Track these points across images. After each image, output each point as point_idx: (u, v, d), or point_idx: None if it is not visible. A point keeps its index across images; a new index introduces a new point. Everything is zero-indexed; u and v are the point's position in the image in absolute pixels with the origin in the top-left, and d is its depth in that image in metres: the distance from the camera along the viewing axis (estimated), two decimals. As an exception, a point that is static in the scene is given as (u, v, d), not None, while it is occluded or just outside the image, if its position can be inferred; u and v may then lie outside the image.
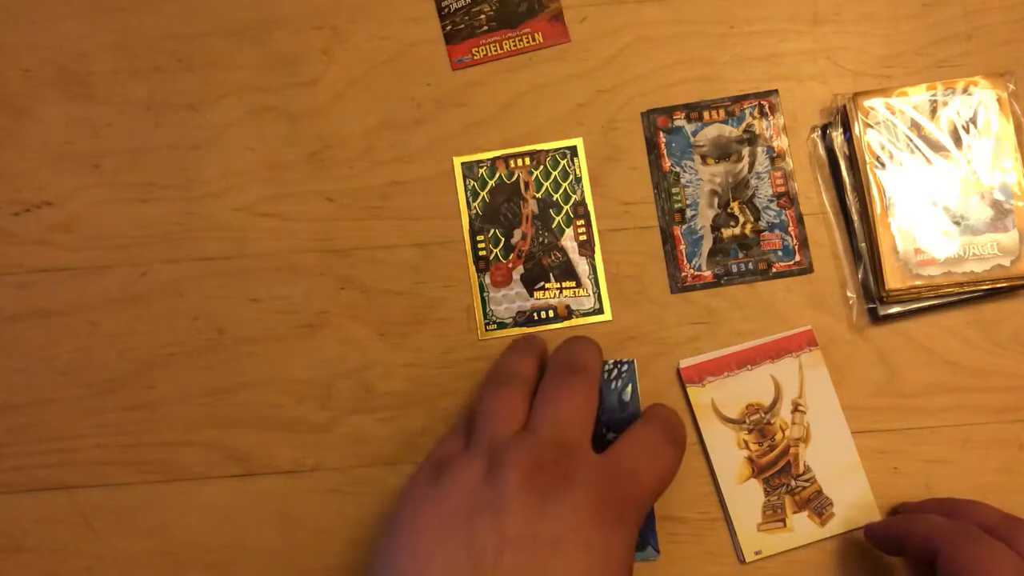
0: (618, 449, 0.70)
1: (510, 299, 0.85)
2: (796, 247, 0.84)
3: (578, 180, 0.86)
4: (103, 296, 0.85)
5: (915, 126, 0.82)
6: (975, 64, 0.85)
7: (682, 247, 0.85)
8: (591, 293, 0.85)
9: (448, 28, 0.88)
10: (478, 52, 0.87)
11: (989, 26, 0.86)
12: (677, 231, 0.85)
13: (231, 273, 0.85)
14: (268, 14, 0.88)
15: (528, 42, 0.87)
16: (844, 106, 0.83)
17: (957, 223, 0.81)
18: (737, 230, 0.85)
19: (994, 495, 0.81)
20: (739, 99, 0.86)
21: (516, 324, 0.84)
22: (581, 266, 0.85)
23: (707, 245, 0.85)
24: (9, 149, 0.87)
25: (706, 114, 0.86)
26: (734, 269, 0.84)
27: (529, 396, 0.72)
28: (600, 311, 0.84)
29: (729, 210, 0.85)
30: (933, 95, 0.82)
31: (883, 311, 0.82)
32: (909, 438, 0.82)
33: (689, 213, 0.85)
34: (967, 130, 0.82)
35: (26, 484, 0.84)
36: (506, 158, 0.86)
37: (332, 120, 0.87)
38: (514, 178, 0.86)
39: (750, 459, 0.82)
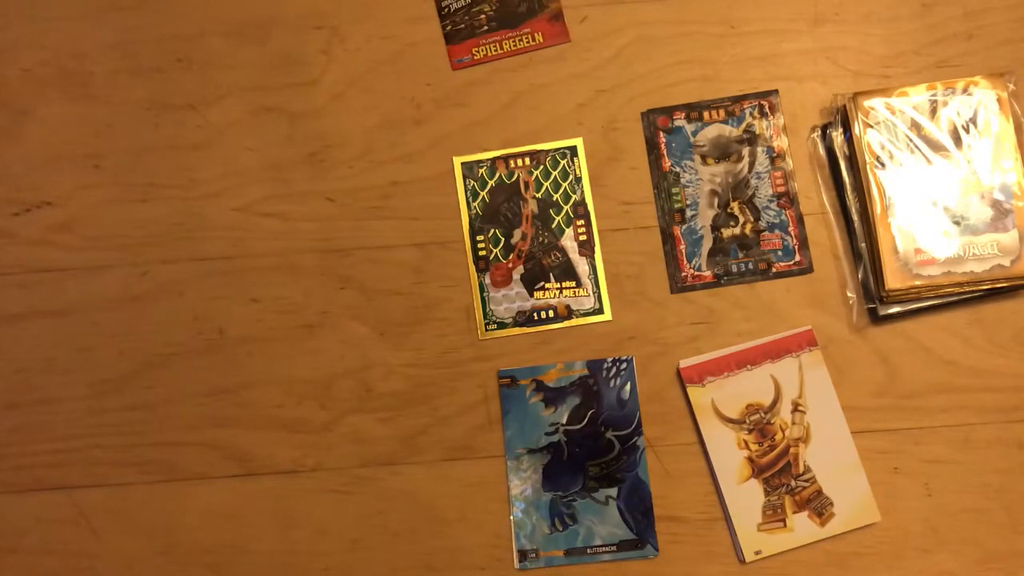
0: None
1: (510, 299, 0.85)
2: (796, 247, 0.84)
3: (578, 180, 0.86)
4: (103, 296, 0.85)
5: (915, 126, 0.82)
6: (975, 64, 0.85)
7: (682, 247, 0.85)
8: (591, 293, 0.85)
9: (448, 28, 0.88)
10: (478, 52, 0.87)
11: (989, 26, 0.86)
12: (677, 231, 0.85)
13: (231, 273, 0.85)
14: (268, 14, 0.88)
15: (528, 42, 0.87)
16: (844, 106, 0.83)
17: (957, 223, 0.81)
18: (737, 230, 0.85)
19: (994, 495, 0.81)
20: (739, 99, 0.86)
21: (516, 324, 0.84)
22: (581, 266, 0.85)
23: (707, 245, 0.85)
24: (9, 149, 0.87)
25: (706, 114, 0.86)
26: (734, 269, 0.84)
27: None
28: (600, 311, 0.84)
29: (729, 210, 0.85)
30: (933, 95, 0.82)
31: (883, 311, 0.82)
32: (909, 438, 0.82)
33: (689, 213, 0.85)
34: (967, 130, 0.82)
35: (26, 484, 0.84)
36: (506, 158, 0.86)
37: (332, 120, 0.87)
38: (514, 178, 0.86)
39: (750, 459, 0.82)
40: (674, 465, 0.82)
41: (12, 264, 0.86)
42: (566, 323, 0.84)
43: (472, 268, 0.85)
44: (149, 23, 0.88)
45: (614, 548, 0.82)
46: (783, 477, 0.81)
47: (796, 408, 0.82)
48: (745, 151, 0.85)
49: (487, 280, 0.85)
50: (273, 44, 0.87)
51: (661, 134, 0.86)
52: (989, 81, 0.82)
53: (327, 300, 0.85)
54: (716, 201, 0.85)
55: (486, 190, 0.86)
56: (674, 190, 0.85)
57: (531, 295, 0.85)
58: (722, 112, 0.86)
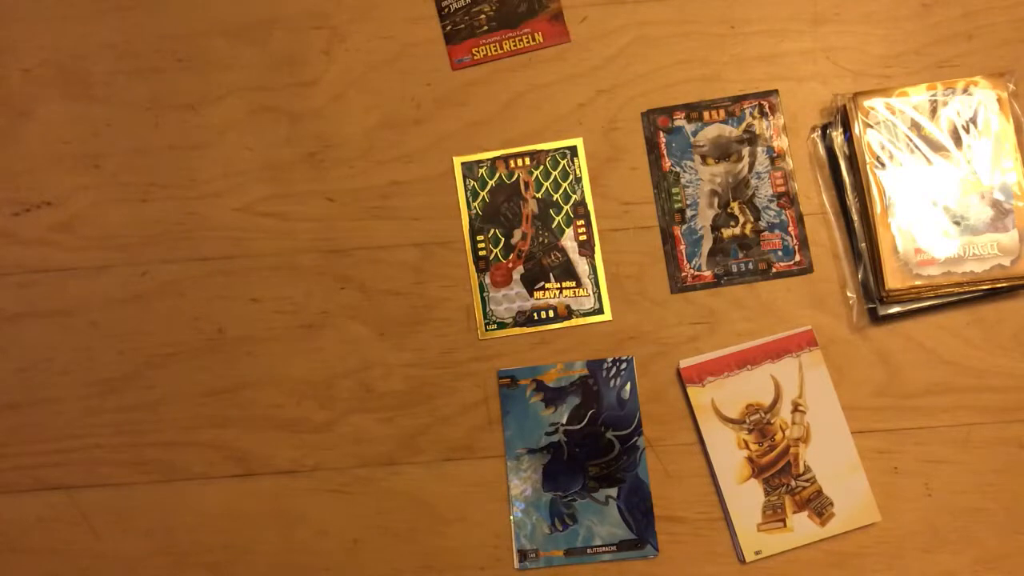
0: None
1: (510, 299, 0.85)
2: (796, 247, 0.84)
3: (578, 180, 0.86)
4: (103, 296, 0.85)
5: (915, 126, 0.82)
6: (975, 64, 0.85)
7: (682, 247, 0.85)
8: (591, 293, 0.85)
9: (448, 28, 0.88)
10: (478, 52, 0.87)
11: (989, 26, 0.86)
12: (677, 231, 0.85)
13: (231, 273, 0.85)
14: (268, 14, 0.88)
15: (528, 42, 0.87)
16: (844, 106, 0.83)
17: (957, 223, 0.81)
18: (737, 230, 0.85)
19: (994, 495, 0.81)
20: (739, 99, 0.86)
21: (516, 324, 0.84)
22: (581, 266, 0.85)
23: (707, 245, 0.85)
24: (9, 149, 0.87)
25: (706, 114, 0.86)
26: (734, 269, 0.84)
27: None
28: (600, 311, 0.84)
29: (729, 210, 0.85)
30: (933, 95, 0.82)
31: (883, 311, 0.82)
32: (909, 438, 0.82)
33: (689, 213, 0.85)
34: (967, 130, 0.82)
35: (26, 484, 0.84)
36: (506, 158, 0.86)
37: (332, 120, 0.87)
38: (514, 178, 0.86)
39: (750, 459, 0.82)
40: (674, 465, 0.82)
41: (12, 264, 0.86)
42: (566, 323, 0.84)
43: (472, 268, 0.85)
44: (149, 23, 0.88)
45: (614, 548, 0.82)
46: (783, 477, 0.81)
47: (796, 408, 0.82)
48: (745, 151, 0.85)
49: (487, 280, 0.85)
50: (273, 44, 0.87)
51: (661, 134, 0.86)
52: (989, 81, 0.82)
53: (327, 300, 0.85)
54: (716, 201, 0.85)
55: (486, 190, 0.86)
56: (674, 190, 0.85)
57: (531, 295, 0.85)
58: (722, 112, 0.86)
